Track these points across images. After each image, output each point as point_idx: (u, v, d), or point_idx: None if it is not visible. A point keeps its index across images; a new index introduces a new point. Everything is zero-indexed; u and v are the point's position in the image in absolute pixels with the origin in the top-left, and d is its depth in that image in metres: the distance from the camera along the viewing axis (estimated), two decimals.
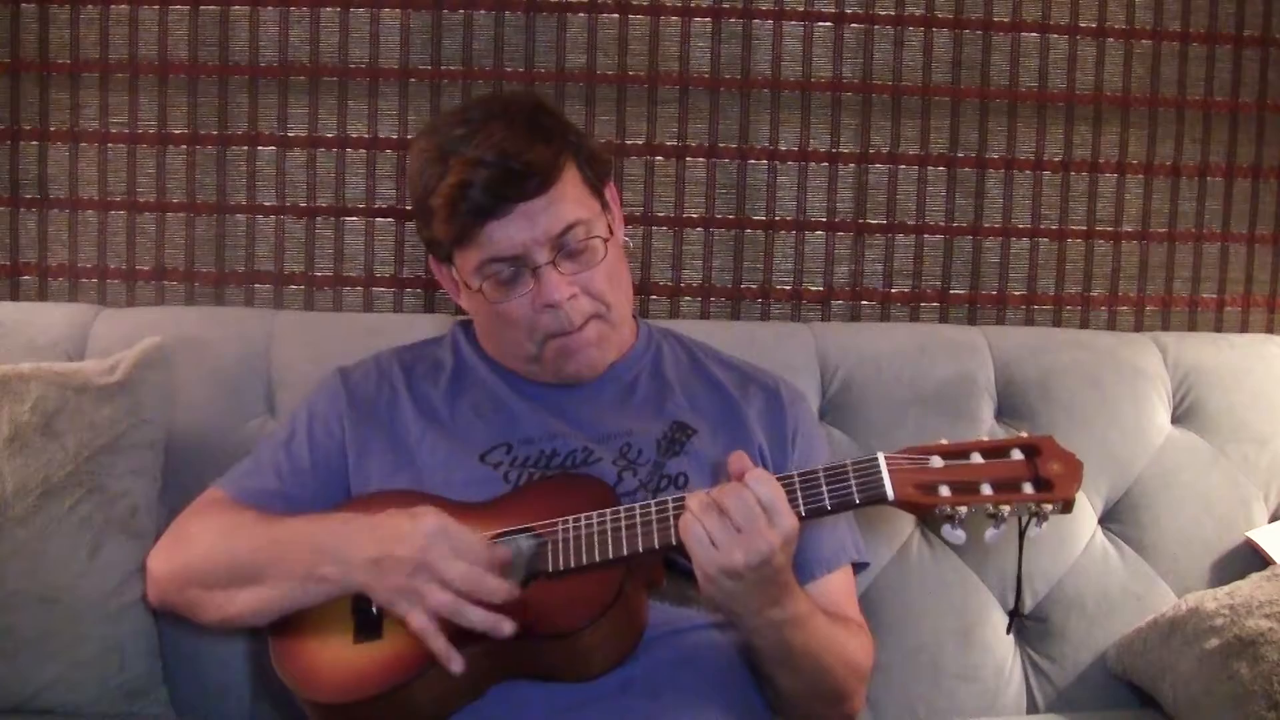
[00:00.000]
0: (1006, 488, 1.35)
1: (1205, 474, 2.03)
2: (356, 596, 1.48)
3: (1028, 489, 1.35)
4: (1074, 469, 1.36)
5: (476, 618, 1.38)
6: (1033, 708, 1.96)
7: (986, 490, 1.35)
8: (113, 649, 1.79)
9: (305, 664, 1.47)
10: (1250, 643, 1.73)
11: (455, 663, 1.39)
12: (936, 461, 1.37)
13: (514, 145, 1.52)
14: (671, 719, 1.42)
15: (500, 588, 1.39)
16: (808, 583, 1.59)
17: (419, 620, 1.39)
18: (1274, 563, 1.93)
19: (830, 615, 1.53)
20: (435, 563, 1.39)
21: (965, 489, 1.35)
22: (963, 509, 1.35)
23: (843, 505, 1.38)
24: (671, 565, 1.47)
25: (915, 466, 1.37)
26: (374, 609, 1.47)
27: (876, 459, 1.38)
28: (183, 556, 1.60)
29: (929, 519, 1.38)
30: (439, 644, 1.39)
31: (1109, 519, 2.03)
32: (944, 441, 1.39)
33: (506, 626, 1.38)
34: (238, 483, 1.66)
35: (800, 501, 1.38)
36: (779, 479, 1.38)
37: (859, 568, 1.69)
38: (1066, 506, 1.36)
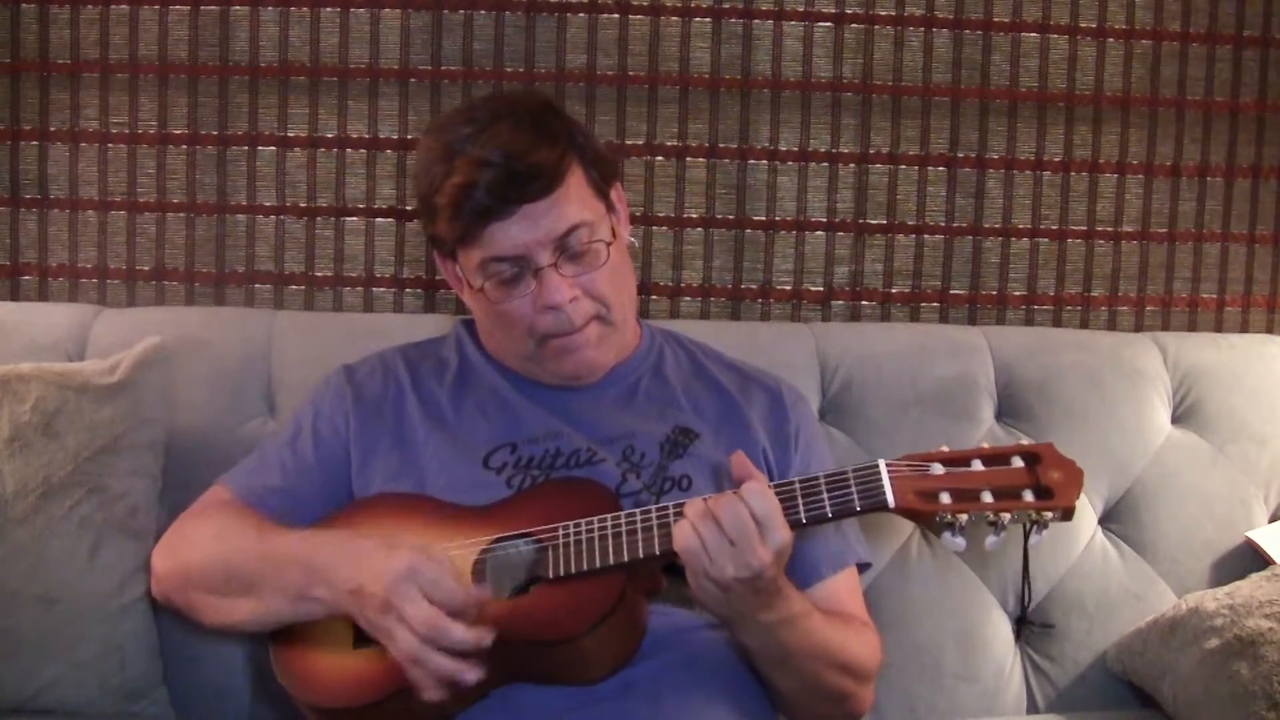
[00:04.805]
0: (1007, 495, 1.35)
1: (1205, 474, 2.03)
2: None
3: (1028, 497, 1.35)
4: (1074, 477, 1.36)
5: (439, 665, 1.36)
6: (1033, 708, 1.97)
7: (987, 498, 1.35)
8: (113, 649, 1.79)
9: (305, 669, 1.47)
10: (1250, 643, 1.73)
11: (429, 692, 1.37)
12: (937, 469, 1.37)
13: (519, 146, 1.52)
14: None
15: (464, 635, 1.36)
16: (814, 584, 1.59)
17: (396, 652, 1.39)
18: (1274, 563, 1.93)
19: (834, 615, 1.53)
20: (399, 604, 1.37)
21: (966, 496, 1.35)
22: (963, 516, 1.35)
23: (844, 512, 1.38)
24: (671, 569, 1.46)
25: (916, 474, 1.37)
26: None
27: (877, 466, 1.37)
28: (182, 557, 1.60)
29: (929, 526, 1.38)
30: (414, 675, 1.37)
31: (1109, 519, 2.03)
32: (945, 449, 1.40)
33: (470, 675, 1.37)
34: (242, 480, 1.66)
35: (801, 508, 1.38)
36: (781, 486, 1.39)
37: (862, 567, 1.69)
38: (1067, 514, 1.36)
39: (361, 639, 1.46)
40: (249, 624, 1.53)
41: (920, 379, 2.03)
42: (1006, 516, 1.35)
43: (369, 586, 1.39)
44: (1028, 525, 1.37)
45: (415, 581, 1.38)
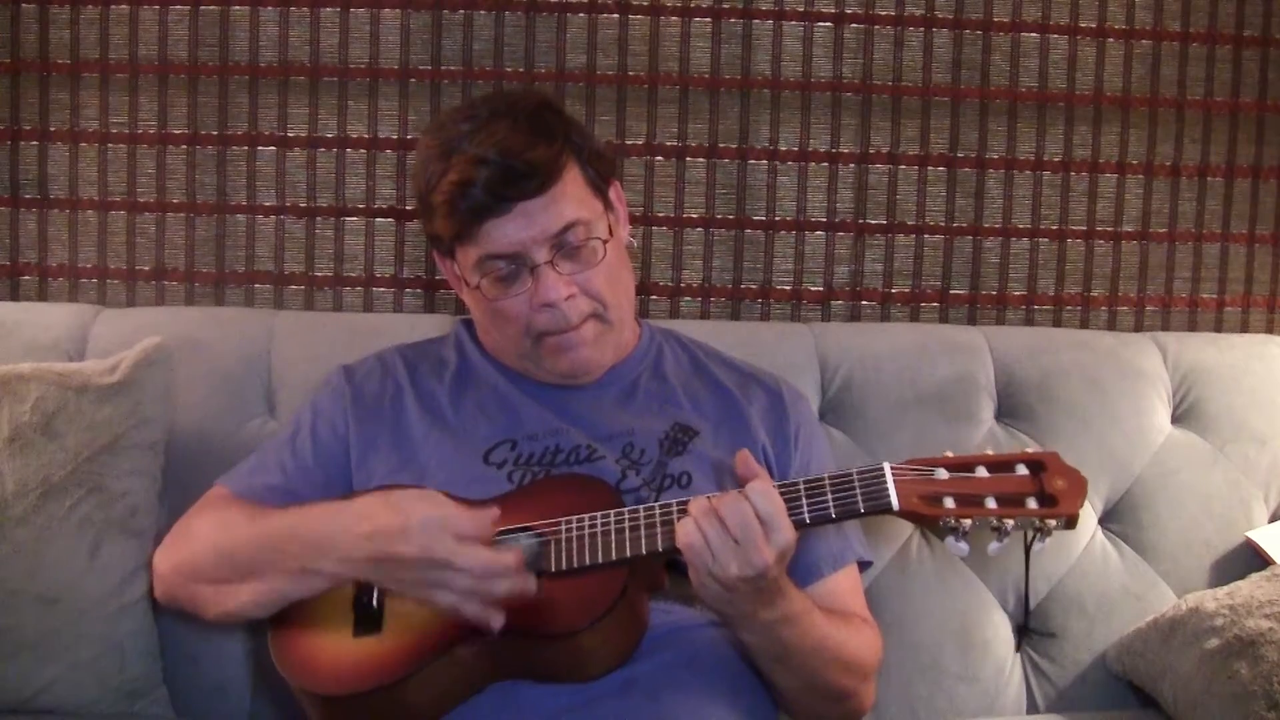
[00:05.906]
0: (1011, 502, 1.36)
1: (1205, 474, 2.03)
2: (358, 590, 1.49)
3: (1032, 504, 1.36)
4: (1078, 485, 1.37)
5: (504, 588, 1.39)
6: (1033, 708, 1.96)
7: (991, 504, 1.36)
8: (113, 649, 1.79)
9: (304, 656, 1.48)
10: (1250, 643, 1.73)
11: (496, 620, 1.40)
12: (941, 473, 1.38)
13: (516, 144, 1.52)
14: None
15: (509, 560, 1.40)
16: (814, 582, 1.60)
17: (447, 600, 1.41)
18: (1274, 563, 1.93)
19: (835, 613, 1.54)
20: (445, 556, 1.39)
21: (970, 502, 1.36)
22: (966, 521, 1.36)
23: (847, 514, 1.39)
24: (674, 566, 1.47)
25: (920, 478, 1.38)
26: (374, 603, 1.48)
27: (882, 469, 1.38)
28: (183, 553, 1.61)
29: (933, 530, 1.39)
30: (474, 611, 1.40)
31: (1109, 519, 2.03)
32: (949, 454, 1.41)
33: (531, 583, 1.40)
34: (242, 479, 1.66)
35: (805, 509, 1.38)
36: (786, 486, 1.39)
37: (864, 566, 1.69)
38: (1070, 523, 1.37)
39: (362, 627, 1.47)
40: (252, 607, 1.53)
41: (920, 379, 2.03)
42: (1010, 523, 1.36)
43: (397, 550, 1.40)
44: (1030, 533, 1.38)
45: (441, 530, 1.40)
